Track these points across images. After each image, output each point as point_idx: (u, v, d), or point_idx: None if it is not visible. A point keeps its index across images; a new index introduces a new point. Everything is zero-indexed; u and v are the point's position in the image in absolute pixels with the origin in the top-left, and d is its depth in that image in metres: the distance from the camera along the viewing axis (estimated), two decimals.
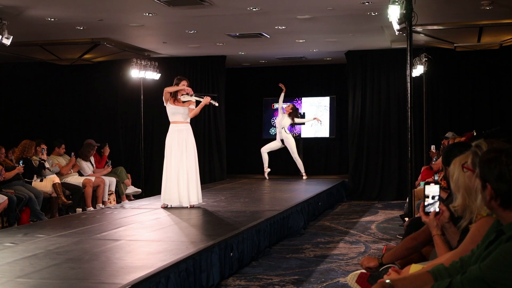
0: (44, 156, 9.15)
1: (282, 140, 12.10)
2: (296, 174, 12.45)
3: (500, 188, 2.19)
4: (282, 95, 12.19)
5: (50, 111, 13.29)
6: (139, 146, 11.56)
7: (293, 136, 13.36)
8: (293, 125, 12.48)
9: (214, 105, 8.32)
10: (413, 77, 6.90)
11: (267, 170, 12.32)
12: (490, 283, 2.11)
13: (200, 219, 7.15)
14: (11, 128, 13.02)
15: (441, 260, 2.66)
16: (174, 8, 8.11)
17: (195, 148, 8.00)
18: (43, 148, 9.13)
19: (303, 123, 12.93)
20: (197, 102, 8.02)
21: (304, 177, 12.21)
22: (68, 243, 5.49)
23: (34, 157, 9.03)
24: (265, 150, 12.24)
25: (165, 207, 7.87)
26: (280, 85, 12.19)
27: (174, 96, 7.95)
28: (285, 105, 12.32)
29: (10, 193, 7.74)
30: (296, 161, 12.14)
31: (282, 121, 12.06)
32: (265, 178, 12.28)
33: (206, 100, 7.97)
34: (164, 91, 7.91)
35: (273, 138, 12.72)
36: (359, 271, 3.50)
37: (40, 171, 8.91)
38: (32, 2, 7.80)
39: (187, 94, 7.96)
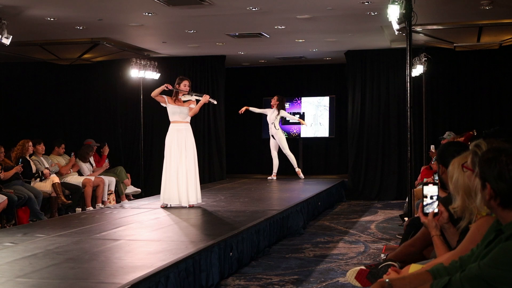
0: (44, 163, 9.17)
1: (273, 136, 12.06)
2: (295, 173, 12.43)
3: (500, 188, 2.20)
4: (252, 109, 12.06)
5: (50, 110, 13.28)
6: (139, 146, 11.55)
7: (293, 135, 13.40)
8: (283, 120, 12.35)
9: (213, 103, 8.32)
10: (413, 77, 6.91)
11: (274, 176, 12.26)
12: (489, 281, 2.12)
13: (199, 218, 7.15)
14: (10, 128, 13.01)
15: (440, 260, 2.66)
16: (173, 8, 8.11)
17: (195, 148, 8.00)
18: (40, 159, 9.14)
19: (288, 120, 12.84)
20: (197, 101, 8.02)
21: (300, 174, 12.16)
22: (68, 243, 5.49)
23: (34, 157, 9.03)
24: (287, 152, 12.07)
25: (165, 207, 7.88)
26: (240, 112, 12.07)
27: (175, 96, 7.96)
28: (271, 114, 12.07)
29: (9, 193, 7.74)
30: (288, 156, 12.09)
31: (270, 116, 12.02)
32: (267, 179, 12.23)
33: (205, 98, 7.98)
34: (154, 97, 7.87)
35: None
36: (358, 268, 3.52)
37: (37, 176, 8.91)
38: (31, 2, 7.80)
39: (188, 93, 7.96)
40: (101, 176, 9.84)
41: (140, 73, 10.94)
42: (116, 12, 8.46)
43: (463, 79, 11.81)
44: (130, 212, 7.76)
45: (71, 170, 9.63)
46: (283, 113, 12.00)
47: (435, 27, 9.49)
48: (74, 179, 9.48)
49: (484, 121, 11.29)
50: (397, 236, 7.41)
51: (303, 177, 12.23)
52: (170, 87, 7.85)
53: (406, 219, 6.51)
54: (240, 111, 12.10)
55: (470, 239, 2.63)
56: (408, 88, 6.26)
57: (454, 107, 11.85)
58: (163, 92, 7.95)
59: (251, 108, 12.10)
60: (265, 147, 12.96)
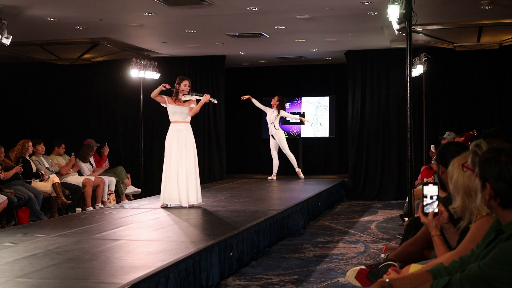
0: (44, 162, 9.16)
1: (272, 136, 12.07)
2: (295, 173, 12.44)
3: (500, 188, 2.20)
4: (254, 101, 12.11)
5: (50, 111, 13.29)
6: (139, 146, 11.55)
7: (293, 135, 13.40)
8: (283, 120, 12.41)
9: (213, 103, 8.32)
10: (413, 77, 6.90)
11: (274, 176, 12.27)
12: (489, 281, 2.12)
13: (199, 218, 7.15)
14: (11, 128, 13.02)
15: (440, 260, 2.67)
16: (173, 8, 8.11)
17: (195, 148, 8.00)
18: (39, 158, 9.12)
19: (288, 120, 12.91)
20: (197, 101, 8.03)
21: (300, 174, 12.17)
22: (68, 243, 5.49)
23: (34, 157, 9.03)
24: (287, 152, 12.07)
25: (165, 207, 7.88)
26: (243, 98, 12.12)
27: (175, 96, 7.96)
28: (270, 112, 12.11)
29: (9, 193, 7.73)
30: (288, 156, 12.10)
31: (270, 116, 12.01)
32: (267, 179, 12.24)
33: (205, 97, 7.99)
34: (154, 98, 7.86)
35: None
36: (358, 267, 3.52)
37: (37, 175, 8.90)
38: (31, 2, 7.80)
39: (188, 93, 7.96)
40: (101, 176, 9.83)
41: (140, 73, 10.93)
42: (116, 12, 8.46)
43: (463, 79, 11.81)
44: (130, 212, 7.76)
45: (71, 170, 9.62)
46: (283, 113, 12.01)
47: (435, 27, 9.49)
48: (74, 179, 9.48)
49: (484, 121, 11.29)
50: (397, 236, 7.41)
51: (303, 177, 12.24)
52: (167, 86, 7.84)
53: (406, 219, 6.51)
54: (242, 97, 12.12)
55: (470, 239, 2.63)
56: (408, 88, 6.26)
57: (454, 107, 11.85)
58: (163, 92, 7.95)
59: (254, 100, 12.10)
60: (265, 147, 12.98)
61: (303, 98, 13.61)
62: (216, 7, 8.07)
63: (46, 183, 8.85)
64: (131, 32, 9.98)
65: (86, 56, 11.52)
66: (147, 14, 8.51)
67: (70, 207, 9.20)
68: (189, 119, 8.01)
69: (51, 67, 12.71)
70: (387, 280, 2.41)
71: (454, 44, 10.59)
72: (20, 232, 6.13)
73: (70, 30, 9.58)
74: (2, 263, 4.64)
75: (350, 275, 3.51)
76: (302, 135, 13.50)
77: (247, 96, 12.08)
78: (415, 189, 6.56)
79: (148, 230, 6.35)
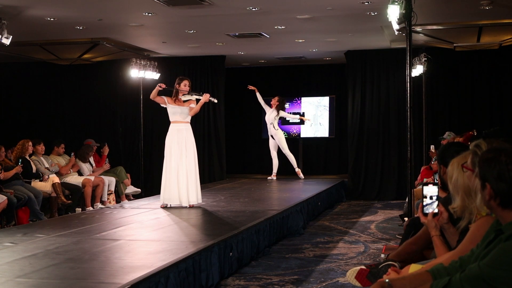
0: (44, 162, 9.16)
1: (272, 136, 12.07)
2: (295, 173, 12.44)
3: (500, 188, 2.20)
4: (258, 95, 12.12)
5: (50, 110, 13.30)
6: (139, 146, 11.55)
7: (293, 135, 13.40)
8: (282, 120, 12.43)
9: (213, 102, 8.32)
10: (413, 77, 6.90)
11: (273, 176, 12.27)
12: (489, 281, 2.12)
13: (199, 218, 7.15)
14: (10, 128, 13.02)
15: (440, 260, 2.66)
16: (173, 8, 8.11)
17: (195, 148, 8.00)
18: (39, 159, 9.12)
19: (288, 120, 12.93)
20: (197, 101, 8.03)
21: (299, 174, 12.17)
22: (68, 243, 5.49)
23: (34, 157, 9.03)
24: (287, 153, 12.09)
25: (165, 207, 7.88)
26: (249, 87, 12.15)
27: (175, 96, 7.96)
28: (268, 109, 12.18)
29: (9, 193, 7.73)
30: (287, 156, 12.10)
31: (269, 116, 12.01)
32: (267, 179, 12.24)
33: (205, 97, 7.99)
34: (153, 99, 7.85)
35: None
36: (358, 267, 3.52)
37: (37, 175, 8.91)
38: (31, 2, 7.80)
39: (188, 93, 7.96)
40: (101, 176, 9.84)
41: (140, 73, 10.93)
42: (116, 12, 8.47)
43: (463, 79, 11.81)
44: (130, 212, 7.76)
45: (71, 170, 9.62)
46: (282, 113, 12.01)
47: (435, 27, 9.50)
48: (74, 179, 9.48)
49: (484, 121, 11.28)
50: (397, 236, 7.41)
51: (303, 177, 12.24)
52: (163, 86, 7.84)
53: (406, 219, 6.51)
54: (249, 87, 12.13)
55: (470, 239, 2.63)
56: (408, 88, 6.26)
57: (454, 107, 11.85)
58: (163, 93, 7.94)
59: (258, 94, 12.10)
60: (265, 147, 12.97)
61: (303, 98, 13.61)
62: (216, 7, 8.07)
63: (46, 183, 8.86)
64: (131, 32, 9.98)
65: (86, 56, 11.52)
66: (147, 14, 8.51)
67: (70, 207, 9.20)
68: (189, 119, 8.01)
69: (51, 67, 12.71)
70: (387, 280, 2.41)
71: (454, 44, 10.60)
72: (20, 232, 6.13)
73: (70, 30, 9.58)
74: (2, 263, 4.64)
75: (350, 275, 3.51)
76: (302, 135, 13.50)
77: (253, 87, 12.09)
78: (415, 189, 6.56)
79: (148, 230, 6.35)
